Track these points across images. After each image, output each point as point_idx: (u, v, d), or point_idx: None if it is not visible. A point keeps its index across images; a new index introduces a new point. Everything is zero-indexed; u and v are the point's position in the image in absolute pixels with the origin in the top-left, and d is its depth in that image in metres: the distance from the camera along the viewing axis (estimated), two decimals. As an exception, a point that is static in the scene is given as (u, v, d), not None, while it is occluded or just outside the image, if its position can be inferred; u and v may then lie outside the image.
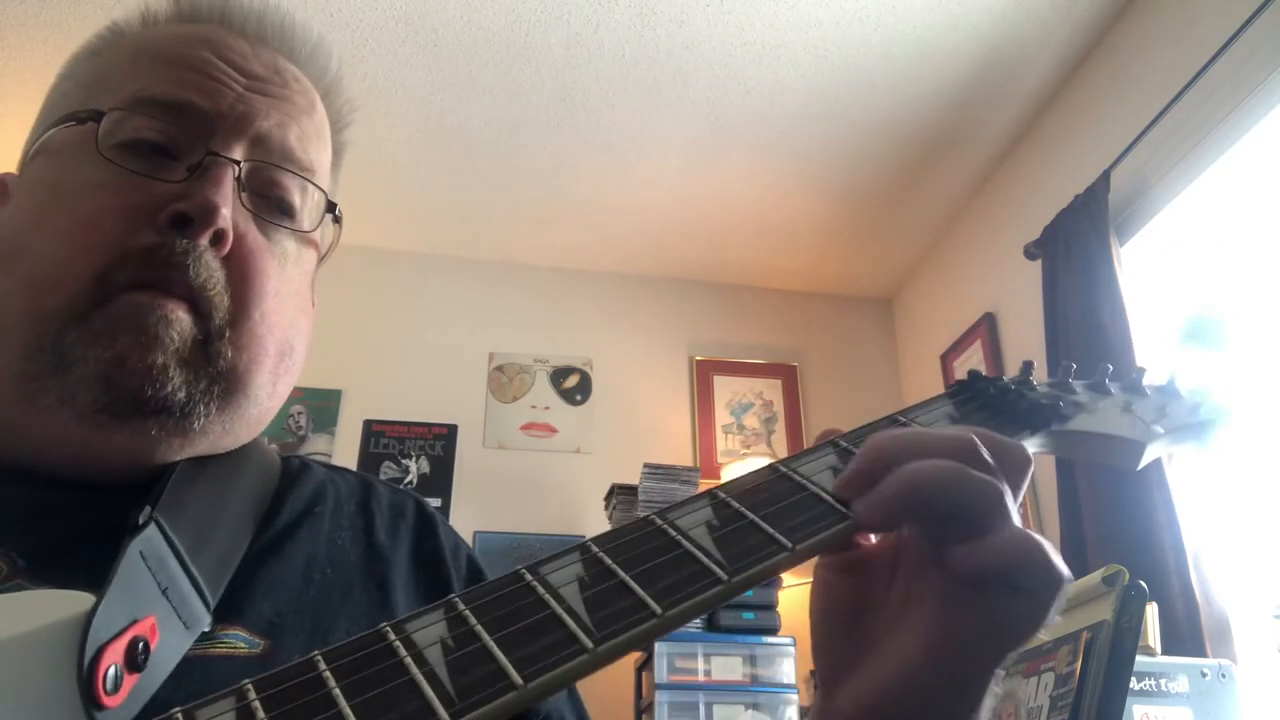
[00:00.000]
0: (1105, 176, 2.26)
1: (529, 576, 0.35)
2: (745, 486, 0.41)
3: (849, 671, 0.40)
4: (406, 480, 2.90)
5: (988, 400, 0.50)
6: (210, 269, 0.55)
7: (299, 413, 3.05)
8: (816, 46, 2.49)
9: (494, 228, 3.27)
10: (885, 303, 3.68)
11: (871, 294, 3.65)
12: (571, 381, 3.30)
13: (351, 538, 0.62)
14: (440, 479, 2.97)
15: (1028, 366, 0.54)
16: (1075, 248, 2.28)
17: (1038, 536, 0.37)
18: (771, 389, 3.39)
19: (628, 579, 0.35)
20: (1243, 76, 1.96)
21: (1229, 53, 1.94)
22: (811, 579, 0.44)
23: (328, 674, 0.30)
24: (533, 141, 2.84)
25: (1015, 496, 0.39)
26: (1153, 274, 2.27)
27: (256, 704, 0.29)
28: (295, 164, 0.62)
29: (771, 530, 0.38)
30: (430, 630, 0.32)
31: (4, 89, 2.57)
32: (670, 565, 0.36)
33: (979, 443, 0.39)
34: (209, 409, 0.55)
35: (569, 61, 2.54)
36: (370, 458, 2.93)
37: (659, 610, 0.34)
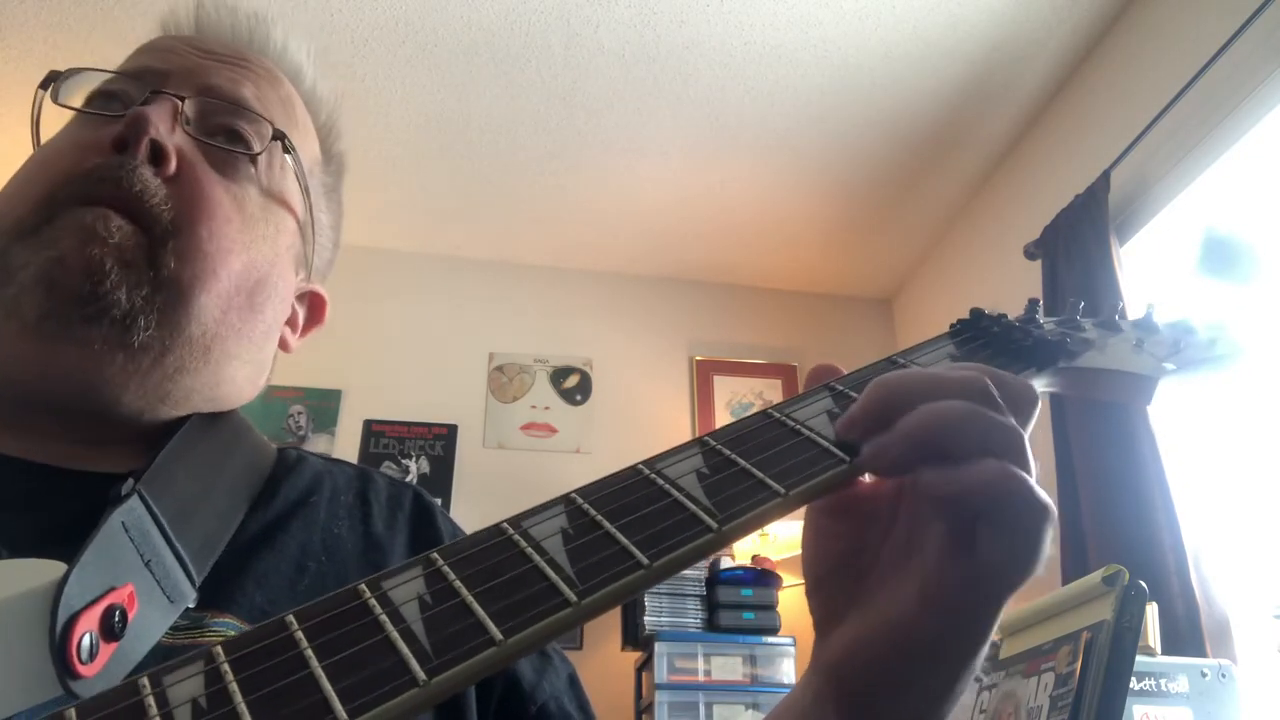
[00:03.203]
0: (1105, 176, 2.26)
1: (511, 530, 0.34)
2: (737, 433, 0.39)
3: (842, 619, 0.39)
4: (407, 480, 2.90)
5: (991, 339, 0.48)
6: (145, 180, 0.56)
7: (299, 413, 3.05)
8: (816, 46, 2.49)
9: (494, 228, 3.27)
10: (885, 303, 3.67)
11: (871, 294, 3.65)
12: (571, 381, 3.30)
13: (348, 527, 0.62)
14: (440, 479, 2.97)
15: (1033, 304, 0.52)
16: (1075, 248, 2.28)
17: (1018, 469, 0.34)
18: (771, 389, 3.39)
19: (613, 529, 0.34)
20: (1243, 76, 1.96)
21: (1229, 53, 1.94)
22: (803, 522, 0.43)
23: (299, 635, 0.29)
24: (532, 141, 2.84)
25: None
26: (1153, 274, 2.27)
27: (226, 667, 0.28)
28: (249, 109, 0.64)
29: (763, 475, 0.36)
30: (407, 587, 0.31)
31: (4, 89, 2.57)
32: (658, 514, 0.34)
33: (990, 383, 0.37)
34: (149, 320, 0.55)
35: (569, 61, 2.54)
36: (370, 458, 2.93)
37: (646, 561, 0.32)
